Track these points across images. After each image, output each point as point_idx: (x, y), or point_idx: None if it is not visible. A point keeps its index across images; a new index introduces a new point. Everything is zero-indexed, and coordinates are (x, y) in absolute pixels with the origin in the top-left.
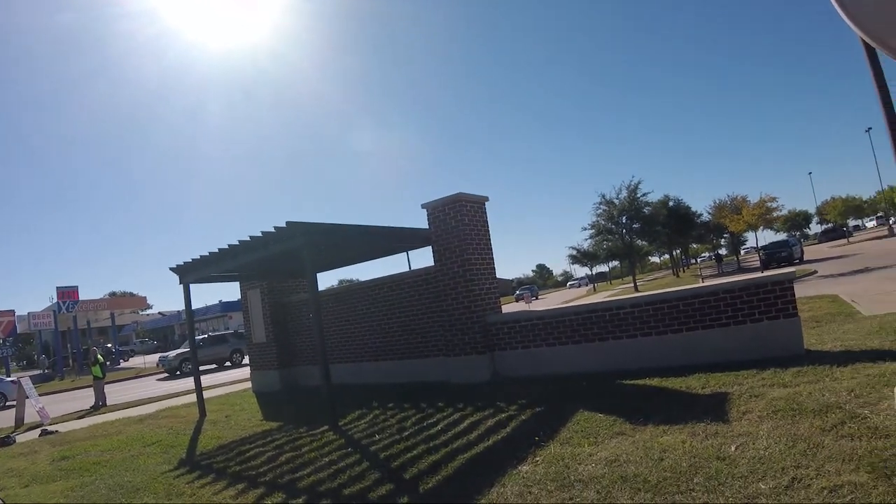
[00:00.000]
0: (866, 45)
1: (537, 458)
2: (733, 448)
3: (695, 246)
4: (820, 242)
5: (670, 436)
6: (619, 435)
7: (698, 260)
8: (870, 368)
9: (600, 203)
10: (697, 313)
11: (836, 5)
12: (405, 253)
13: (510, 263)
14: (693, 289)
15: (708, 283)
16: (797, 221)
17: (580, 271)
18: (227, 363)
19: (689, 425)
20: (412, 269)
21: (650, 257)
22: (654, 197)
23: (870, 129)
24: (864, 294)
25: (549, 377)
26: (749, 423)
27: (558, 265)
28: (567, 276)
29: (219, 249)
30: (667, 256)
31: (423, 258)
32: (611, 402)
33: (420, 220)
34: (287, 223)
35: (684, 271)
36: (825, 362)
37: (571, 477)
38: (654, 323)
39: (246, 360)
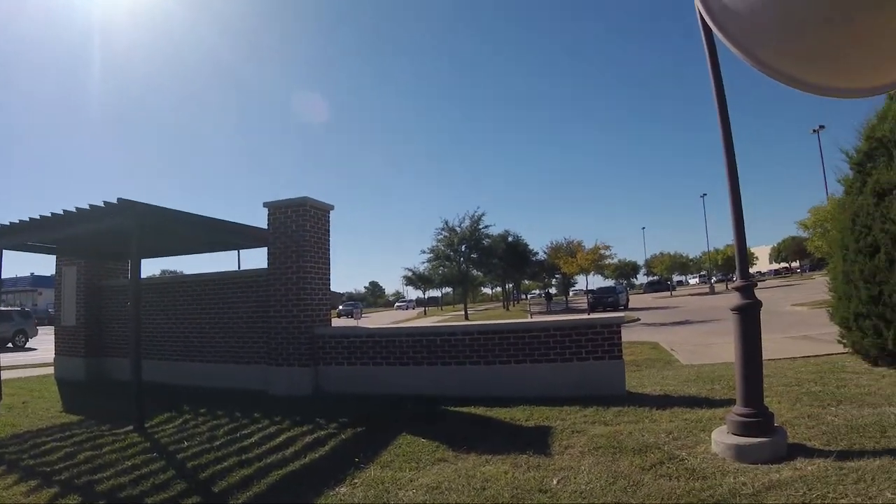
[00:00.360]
0: (722, 119)
1: (356, 481)
2: (555, 481)
3: (527, 282)
4: (645, 292)
5: (493, 466)
6: (441, 461)
7: (528, 296)
8: (687, 413)
9: (442, 229)
10: (528, 347)
11: (703, 13)
12: (237, 251)
13: (343, 277)
14: (525, 323)
15: (536, 318)
16: (626, 270)
17: (413, 293)
18: (9, 345)
19: (513, 456)
20: (242, 268)
21: (483, 288)
22: (495, 230)
23: (704, 195)
24: (683, 344)
25: (374, 397)
26: (571, 457)
27: (392, 285)
28: (398, 297)
29: (40, 216)
30: (499, 289)
31: (252, 259)
32: (435, 427)
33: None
34: (119, 200)
35: (514, 305)
36: (645, 404)
37: (391, 502)
38: (484, 352)
39: (32, 343)
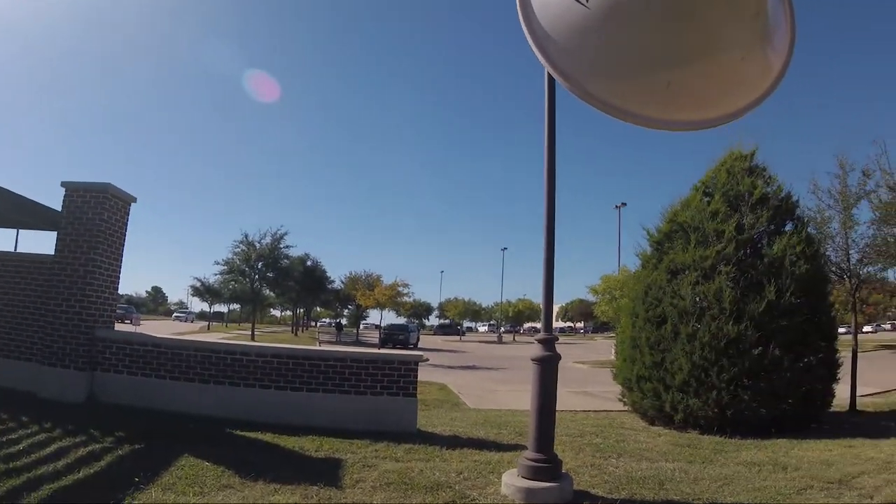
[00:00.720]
0: (548, 179)
1: (136, 503)
2: None
3: (319, 309)
4: (435, 334)
5: (282, 496)
6: (227, 488)
7: (318, 324)
8: (477, 455)
9: (241, 242)
10: (322, 376)
11: (526, 35)
12: (16, 231)
13: (124, 277)
14: (323, 351)
15: (327, 347)
16: (419, 310)
17: (198, 305)
18: None
19: (303, 487)
20: (20, 251)
21: (272, 309)
22: (295, 252)
23: (504, 248)
24: (470, 388)
25: (155, 413)
26: (363, 492)
27: (176, 293)
28: (181, 306)
29: None
30: (289, 313)
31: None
32: (221, 451)
33: None
34: None
35: (303, 331)
36: (436, 443)
37: None
38: (276, 377)
39: None
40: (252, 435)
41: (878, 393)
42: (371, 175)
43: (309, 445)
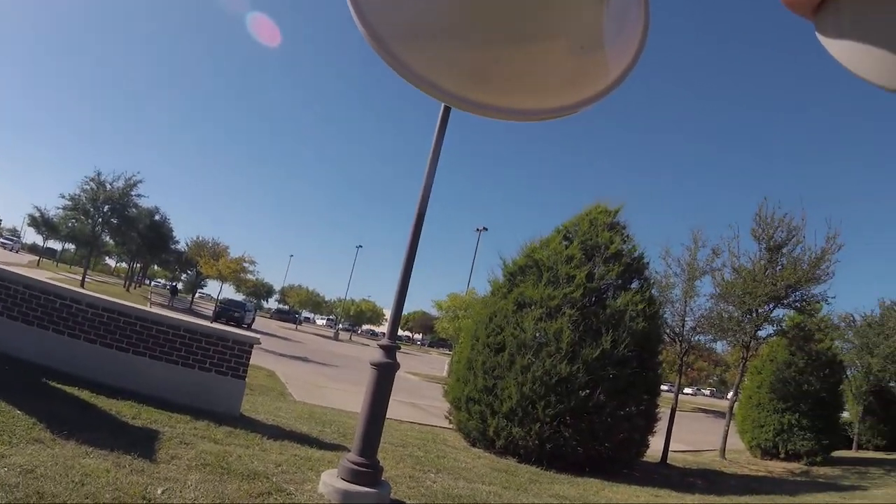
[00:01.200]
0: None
1: None
2: (160, 491)
3: (156, 268)
4: (272, 318)
5: (93, 460)
6: (37, 442)
7: (152, 283)
8: (298, 449)
9: (91, 180)
10: (152, 340)
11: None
12: None
13: None
14: (158, 314)
15: (156, 310)
16: (261, 291)
17: (32, 237)
18: None
19: (115, 454)
20: None
21: (108, 258)
22: (145, 203)
23: (360, 246)
24: (298, 380)
25: None
26: (177, 469)
27: (11, 220)
28: (12, 233)
29: None
30: (124, 265)
31: None
32: (35, 401)
33: None
34: None
35: (136, 288)
36: (257, 431)
37: None
38: (103, 332)
39: None
40: (70, 389)
41: (690, 451)
42: (246, 143)
43: (127, 411)
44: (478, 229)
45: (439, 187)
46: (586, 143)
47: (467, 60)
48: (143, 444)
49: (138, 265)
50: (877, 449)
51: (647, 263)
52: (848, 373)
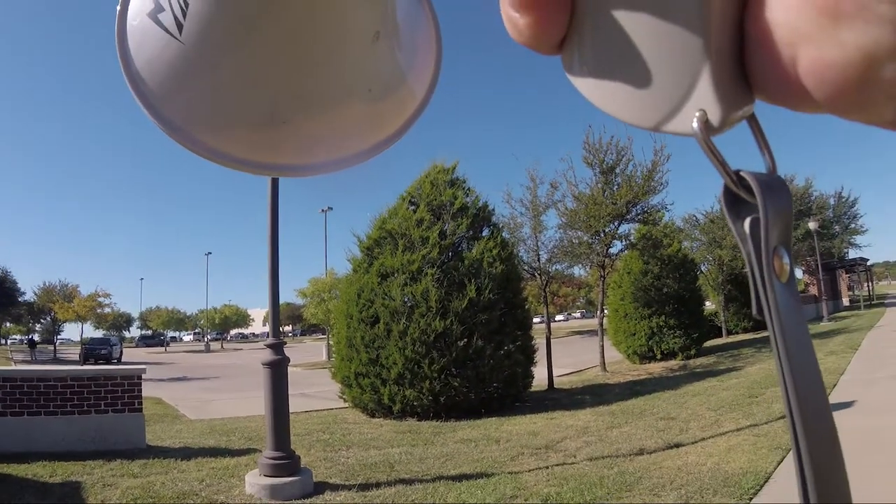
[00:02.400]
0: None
1: None
2: None
3: (8, 325)
4: (138, 346)
5: None
6: None
7: (8, 341)
8: (213, 462)
9: None
10: (42, 397)
11: (125, 77)
12: None
13: None
14: (41, 370)
15: (27, 367)
16: (120, 322)
17: None
18: None
19: None
20: None
21: None
22: None
23: (209, 253)
24: (185, 399)
25: None
26: None
27: None
28: None
29: None
30: None
31: None
32: None
33: None
34: None
35: None
36: (169, 456)
37: None
38: None
39: None
40: None
41: (573, 372)
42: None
43: (42, 472)
44: (322, 210)
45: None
46: None
47: (256, 131)
48: (70, 496)
49: None
50: (745, 332)
51: (493, 210)
52: (702, 269)
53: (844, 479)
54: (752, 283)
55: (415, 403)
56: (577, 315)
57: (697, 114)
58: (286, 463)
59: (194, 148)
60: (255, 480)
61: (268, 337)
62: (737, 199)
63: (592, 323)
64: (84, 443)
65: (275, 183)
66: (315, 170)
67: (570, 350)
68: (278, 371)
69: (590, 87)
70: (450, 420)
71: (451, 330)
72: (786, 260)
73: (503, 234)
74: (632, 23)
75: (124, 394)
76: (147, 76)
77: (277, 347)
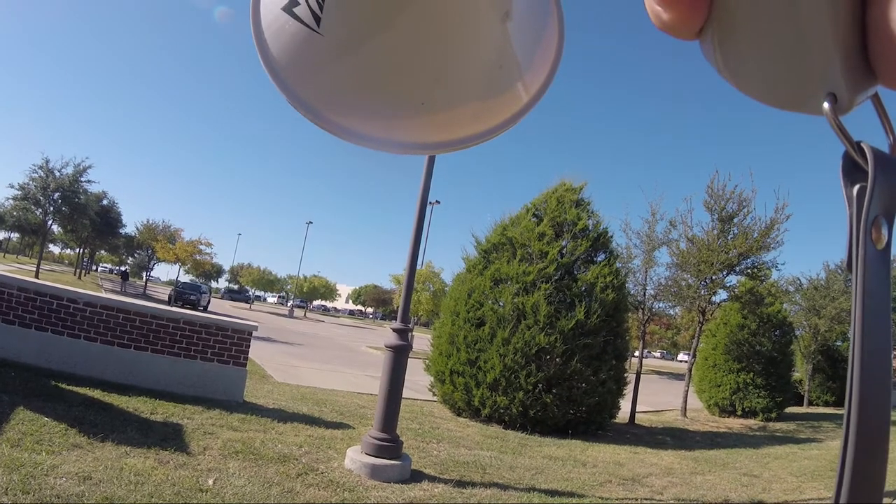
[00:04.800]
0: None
1: None
2: (211, 482)
3: (103, 253)
4: (223, 298)
5: (136, 459)
6: (77, 448)
7: (98, 269)
8: (309, 430)
9: (40, 167)
10: (153, 335)
11: (262, 65)
12: None
13: None
14: (156, 308)
15: (111, 296)
16: (211, 272)
17: None
18: None
19: (154, 451)
20: None
21: (51, 245)
22: (95, 188)
23: (310, 222)
24: (271, 361)
25: None
26: (213, 459)
27: None
28: None
29: None
30: (69, 251)
31: None
32: (56, 406)
33: None
34: None
35: (86, 274)
36: (265, 416)
37: (47, 491)
38: (104, 329)
39: None
40: (81, 390)
41: (652, 411)
42: (188, 119)
43: (143, 407)
44: (430, 203)
45: (389, 160)
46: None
47: (396, 111)
48: (172, 438)
49: (86, 251)
50: (826, 405)
51: (611, 237)
52: (797, 333)
53: (883, 464)
54: (849, 244)
55: (504, 411)
56: (657, 354)
57: (828, 97)
58: (391, 446)
59: (336, 131)
60: (356, 457)
61: (398, 321)
62: (854, 165)
63: (672, 365)
64: (184, 386)
65: (427, 176)
66: (450, 146)
67: (649, 388)
68: (400, 356)
69: (727, 70)
70: (534, 434)
71: (554, 347)
72: (884, 231)
73: (617, 263)
74: (768, 14)
75: (232, 346)
76: (287, 68)
77: (403, 333)
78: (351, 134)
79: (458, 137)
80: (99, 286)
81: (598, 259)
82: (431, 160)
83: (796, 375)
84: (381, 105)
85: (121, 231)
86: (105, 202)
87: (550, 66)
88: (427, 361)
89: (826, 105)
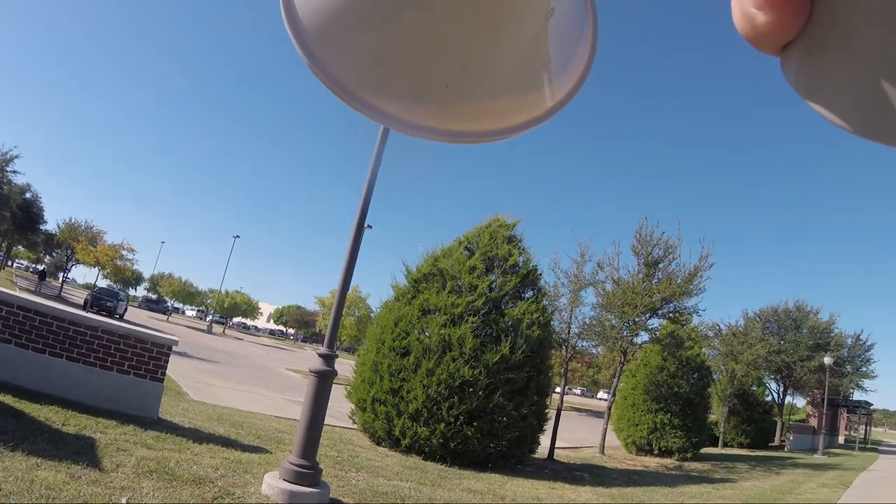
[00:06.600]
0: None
1: None
2: (124, 501)
3: (21, 249)
4: (140, 307)
5: (47, 472)
6: None
7: (14, 264)
8: (225, 452)
9: None
10: (69, 341)
11: (288, 29)
12: None
13: None
14: (74, 313)
15: (24, 295)
16: (130, 279)
17: None
18: None
19: (66, 465)
20: None
21: None
22: (20, 179)
23: (237, 236)
24: (186, 378)
25: None
26: (127, 477)
27: None
28: None
29: None
30: None
31: None
32: None
33: None
34: None
35: (1, 269)
36: (180, 435)
37: None
38: (18, 332)
39: None
40: None
41: (570, 447)
42: (118, 118)
43: (55, 417)
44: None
45: (321, 183)
46: (474, 163)
47: (419, 90)
48: (85, 453)
49: (3, 245)
50: (740, 447)
51: (540, 274)
52: (714, 377)
53: None
54: None
55: (424, 442)
56: (578, 391)
57: None
58: (310, 473)
59: (356, 104)
60: (274, 482)
61: (325, 346)
62: None
63: (592, 402)
64: (98, 398)
65: (366, 199)
66: (465, 137)
67: (569, 425)
68: (325, 382)
69: (810, 91)
70: (454, 466)
71: (477, 380)
72: None
73: (544, 301)
74: (868, 41)
75: (150, 360)
76: (312, 28)
77: (329, 359)
78: (363, 104)
79: (474, 130)
80: (13, 283)
81: (527, 295)
82: (371, 183)
83: (712, 417)
84: (403, 81)
85: (41, 227)
86: (28, 195)
87: (581, 72)
88: (349, 388)
89: None
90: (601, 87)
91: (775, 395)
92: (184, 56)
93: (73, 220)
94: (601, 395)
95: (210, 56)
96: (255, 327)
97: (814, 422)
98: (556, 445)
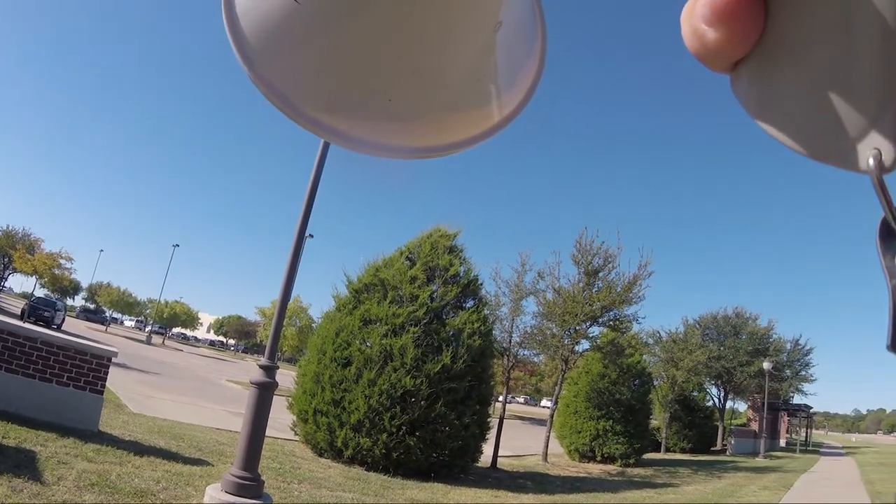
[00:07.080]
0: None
1: None
2: None
3: None
4: (78, 317)
5: None
6: None
7: None
8: (166, 465)
9: None
10: (7, 353)
11: (230, 39)
12: None
13: None
14: (13, 324)
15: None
16: (68, 288)
17: None
18: None
19: (7, 478)
20: None
21: None
22: None
23: (177, 245)
24: (126, 390)
25: None
26: (69, 490)
27: None
28: None
29: None
30: None
31: None
32: None
33: None
34: None
35: None
36: (121, 447)
37: None
38: None
39: None
40: None
41: (513, 456)
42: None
43: None
44: (306, 236)
45: (262, 193)
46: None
47: (361, 104)
48: (25, 466)
49: None
50: (682, 451)
51: (481, 284)
52: (655, 383)
53: None
54: (892, 317)
55: (366, 453)
56: (521, 400)
57: (873, 153)
58: (252, 485)
59: (296, 117)
60: (216, 494)
61: (266, 357)
62: (892, 234)
63: (535, 410)
64: (37, 411)
65: (307, 209)
66: (416, 153)
67: (512, 433)
68: (266, 393)
69: (760, 111)
70: (397, 476)
71: (419, 390)
72: None
73: (485, 310)
74: (818, 59)
75: (90, 372)
76: (254, 38)
77: (270, 370)
78: (304, 117)
79: (418, 146)
80: None
81: (468, 305)
82: (313, 193)
83: (654, 423)
84: (345, 94)
85: None
86: None
87: (529, 86)
88: (290, 399)
89: (871, 162)
90: (547, 96)
91: (716, 401)
92: (110, 62)
93: (10, 228)
94: (544, 402)
95: (142, 62)
96: (196, 338)
97: (755, 426)
98: (499, 454)
